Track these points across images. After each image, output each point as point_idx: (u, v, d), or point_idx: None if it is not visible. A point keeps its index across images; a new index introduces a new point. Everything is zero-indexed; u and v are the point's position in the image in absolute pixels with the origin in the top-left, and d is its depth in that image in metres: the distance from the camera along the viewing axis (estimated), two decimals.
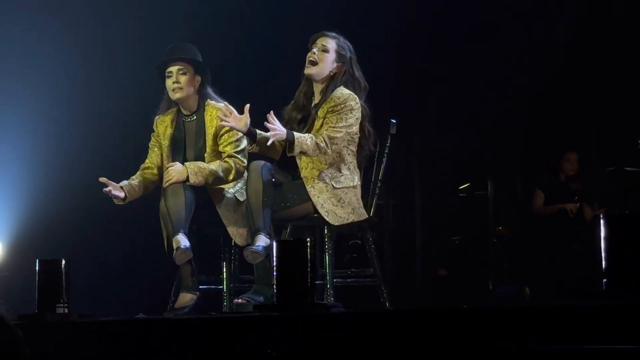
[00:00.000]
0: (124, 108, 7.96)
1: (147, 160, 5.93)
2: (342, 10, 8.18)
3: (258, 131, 5.55)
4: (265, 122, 5.29)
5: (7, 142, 8.45)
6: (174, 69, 5.77)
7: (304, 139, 5.34)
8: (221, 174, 5.59)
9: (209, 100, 5.78)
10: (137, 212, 7.39)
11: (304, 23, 7.43)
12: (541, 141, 9.16)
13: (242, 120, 5.46)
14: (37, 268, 4.80)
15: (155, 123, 5.94)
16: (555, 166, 8.93)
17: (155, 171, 5.88)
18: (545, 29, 8.60)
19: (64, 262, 4.80)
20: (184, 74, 5.76)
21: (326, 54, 5.57)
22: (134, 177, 5.86)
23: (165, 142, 5.86)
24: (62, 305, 4.74)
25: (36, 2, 8.30)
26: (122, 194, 5.73)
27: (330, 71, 5.58)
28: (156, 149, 5.92)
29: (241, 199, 5.64)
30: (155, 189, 5.88)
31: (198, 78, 5.80)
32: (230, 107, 5.53)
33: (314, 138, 5.37)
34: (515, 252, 9.00)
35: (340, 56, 5.58)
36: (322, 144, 5.36)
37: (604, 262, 3.77)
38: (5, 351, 1.83)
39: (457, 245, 9.19)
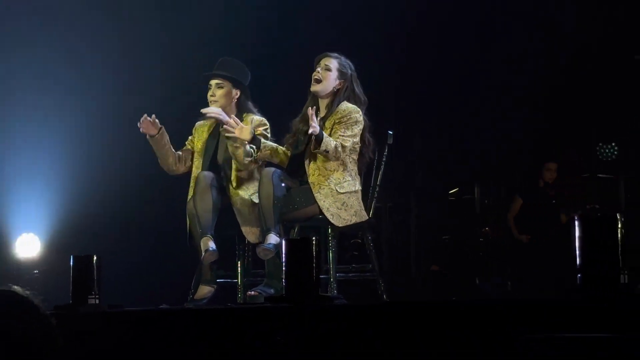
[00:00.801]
0: (151, 115, 7.97)
1: (183, 152, 5.93)
2: (344, 27, 8.21)
3: (262, 140, 5.56)
4: (311, 113, 5.29)
5: (45, 149, 8.46)
6: (213, 82, 5.83)
7: (329, 140, 5.35)
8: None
9: (247, 113, 5.79)
10: (161, 214, 7.41)
11: (309, 41, 7.47)
12: (522, 152, 9.16)
13: (246, 130, 5.50)
14: (71, 263, 4.80)
15: (195, 127, 5.97)
16: (536, 174, 8.93)
17: (182, 158, 5.89)
18: (527, 49, 8.57)
19: (95, 258, 4.79)
20: (221, 87, 5.80)
21: (329, 73, 5.57)
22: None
23: (199, 145, 5.89)
24: (93, 296, 4.73)
25: (72, 12, 8.33)
26: (155, 130, 5.74)
27: (334, 87, 5.58)
28: (189, 147, 5.94)
29: (256, 201, 5.63)
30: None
31: (236, 92, 5.81)
32: (237, 119, 5.56)
33: (334, 142, 5.37)
34: (500, 250, 8.99)
35: (341, 74, 5.58)
36: (340, 149, 5.37)
37: (578, 260, 3.76)
38: (40, 338, 1.82)
39: (447, 244, 9.18)
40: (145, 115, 5.74)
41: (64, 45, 8.40)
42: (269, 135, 5.72)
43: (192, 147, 5.93)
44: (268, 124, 5.76)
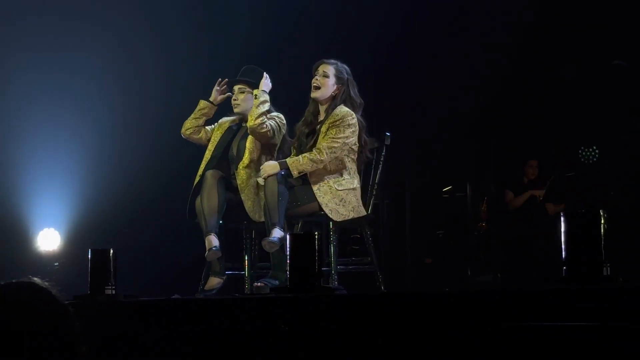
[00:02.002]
0: (162, 116, 7.97)
1: (202, 132, 6.01)
2: (343, 32, 8.22)
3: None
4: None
5: (64, 150, 8.47)
6: (236, 87, 5.92)
7: (297, 161, 5.40)
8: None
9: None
10: (173, 209, 7.39)
11: (309, 47, 7.48)
12: (509, 151, 9.14)
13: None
14: (89, 256, 4.80)
15: (219, 121, 6.03)
16: (520, 171, 8.96)
17: (199, 130, 5.98)
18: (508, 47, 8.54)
19: (112, 251, 4.80)
20: (242, 92, 5.88)
21: (327, 79, 5.58)
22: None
23: (218, 134, 5.94)
24: (110, 287, 4.73)
25: (88, 14, 8.35)
26: (216, 99, 5.97)
27: (332, 92, 5.58)
28: (208, 128, 6.00)
29: (262, 183, 5.65)
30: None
31: None
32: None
33: (306, 156, 5.40)
34: (490, 244, 8.97)
35: (339, 79, 5.59)
36: (316, 157, 5.40)
37: (564, 253, 3.75)
38: (58, 326, 1.82)
39: (440, 238, 9.17)
40: (226, 85, 5.92)
41: (82, 54, 8.42)
42: (282, 128, 5.78)
43: (209, 134, 5.96)
44: (284, 121, 5.82)
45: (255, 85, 5.83)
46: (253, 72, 5.89)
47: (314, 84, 5.59)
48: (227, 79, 5.94)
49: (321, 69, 5.61)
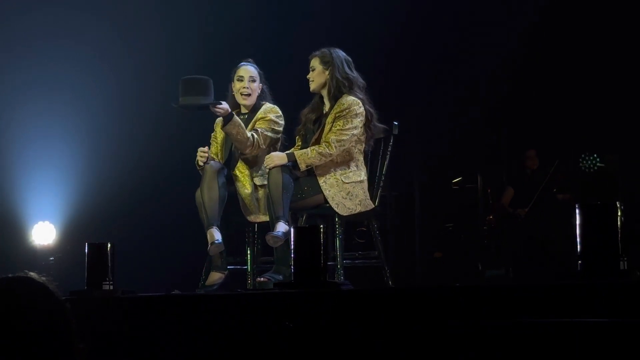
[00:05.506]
0: (160, 107, 7.99)
1: (212, 149, 5.88)
2: (348, 19, 8.23)
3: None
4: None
5: (60, 141, 8.49)
6: (245, 74, 5.80)
7: (305, 154, 5.42)
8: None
9: (265, 102, 5.83)
10: (173, 202, 7.41)
11: (315, 33, 7.48)
12: (522, 141, 9.14)
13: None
14: (86, 250, 4.81)
15: (216, 122, 5.93)
16: (521, 162, 8.97)
17: (217, 158, 5.89)
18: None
19: (109, 245, 4.81)
20: (253, 81, 5.81)
21: (314, 72, 5.64)
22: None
23: (221, 136, 5.88)
24: (107, 282, 4.74)
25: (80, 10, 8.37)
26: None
27: (325, 80, 5.61)
28: (215, 143, 5.94)
29: (258, 184, 5.66)
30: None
31: (261, 86, 5.86)
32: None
33: (314, 149, 5.41)
34: (502, 237, 8.97)
35: (325, 64, 5.62)
36: (325, 150, 5.41)
37: (578, 246, 3.75)
38: (55, 322, 1.83)
39: (450, 231, 9.16)
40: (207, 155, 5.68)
41: (77, 44, 8.45)
42: (280, 122, 5.76)
43: (217, 140, 5.94)
44: (280, 112, 5.79)
45: (261, 75, 5.83)
46: (195, 89, 5.61)
47: (309, 80, 5.65)
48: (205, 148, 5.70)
49: (310, 65, 5.66)
